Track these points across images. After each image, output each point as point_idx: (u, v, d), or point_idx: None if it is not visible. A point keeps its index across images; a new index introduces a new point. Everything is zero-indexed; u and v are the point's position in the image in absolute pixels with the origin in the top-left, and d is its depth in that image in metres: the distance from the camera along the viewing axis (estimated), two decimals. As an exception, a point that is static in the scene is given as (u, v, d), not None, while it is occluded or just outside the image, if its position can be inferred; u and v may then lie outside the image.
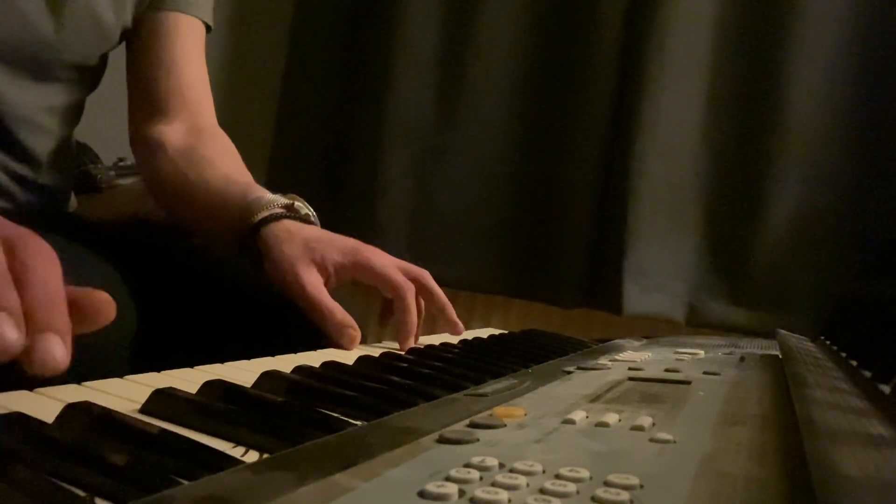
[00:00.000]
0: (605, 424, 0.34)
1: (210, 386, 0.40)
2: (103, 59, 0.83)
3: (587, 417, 0.36)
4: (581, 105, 1.55)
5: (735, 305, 1.48)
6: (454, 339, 0.75)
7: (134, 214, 1.05)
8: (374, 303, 0.77)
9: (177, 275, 0.79)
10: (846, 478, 0.23)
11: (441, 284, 0.76)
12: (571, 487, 0.25)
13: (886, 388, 0.39)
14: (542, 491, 0.25)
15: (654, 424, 0.34)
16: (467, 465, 0.27)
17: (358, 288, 0.74)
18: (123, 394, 0.39)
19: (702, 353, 0.65)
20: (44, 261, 0.33)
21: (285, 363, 0.50)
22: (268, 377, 0.45)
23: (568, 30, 1.57)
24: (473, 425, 0.34)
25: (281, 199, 0.74)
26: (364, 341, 0.69)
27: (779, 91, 1.44)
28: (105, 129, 1.06)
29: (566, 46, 1.57)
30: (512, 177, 1.62)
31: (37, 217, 0.79)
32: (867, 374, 0.46)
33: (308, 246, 0.70)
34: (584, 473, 0.26)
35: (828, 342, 0.73)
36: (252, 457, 0.32)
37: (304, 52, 1.81)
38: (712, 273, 1.50)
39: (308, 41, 1.81)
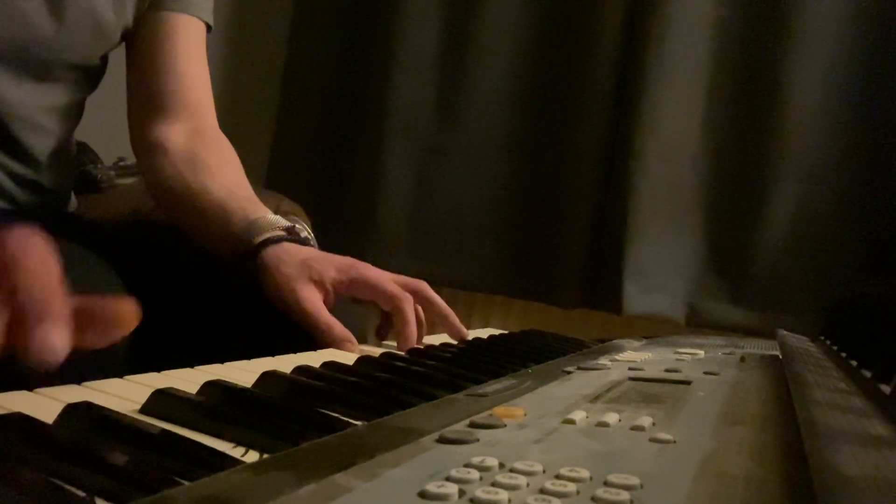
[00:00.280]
0: (605, 424, 0.34)
1: (210, 386, 0.40)
2: (103, 59, 0.83)
3: (587, 417, 0.36)
4: (581, 105, 1.55)
5: (735, 305, 1.48)
6: (454, 340, 0.76)
7: (134, 214, 1.05)
8: (374, 311, 0.77)
9: (177, 275, 0.79)
10: (846, 478, 0.23)
11: (441, 284, 0.76)
12: (571, 487, 0.25)
13: (886, 388, 0.39)
14: (542, 491, 0.25)
15: (654, 424, 0.34)
16: (467, 465, 0.27)
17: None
18: (123, 394, 0.39)
19: (702, 353, 0.64)
20: (35, 252, 0.33)
21: (285, 363, 0.50)
22: (268, 377, 0.45)
23: (568, 30, 1.57)
24: (473, 425, 0.34)
25: (282, 222, 0.75)
26: (364, 342, 0.69)
27: (779, 91, 1.44)
28: (105, 129, 1.06)
29: (566, 46, 1.57)
30: (512, 177, 1.62)
31: (37, 217, 0.80)
32: (867, 374, 0.46)
33: (305, 265, 0.71)
34: (584, 473, 0.26)
35: (828, 342, 0.73)
36: (252, 457, 0.32)
37: (304, 52, 1.81)
38: (712, 273, 1.50)
39: (308, 41, 1.81)
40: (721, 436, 0.33)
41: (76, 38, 0.76)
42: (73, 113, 0.84)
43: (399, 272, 0.75)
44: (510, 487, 0.25)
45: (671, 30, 1.47)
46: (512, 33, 1.61)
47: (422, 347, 0.68)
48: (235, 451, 0.32)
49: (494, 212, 1.62)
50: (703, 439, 0.32)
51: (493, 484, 0.25)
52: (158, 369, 0.45)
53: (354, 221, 1.68)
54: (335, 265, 0.72)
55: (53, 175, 0.83)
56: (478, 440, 0.31)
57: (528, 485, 0.25)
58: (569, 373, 0.52)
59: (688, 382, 0.47)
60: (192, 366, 0.48)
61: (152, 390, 0.37)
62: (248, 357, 0.53)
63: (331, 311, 0.70)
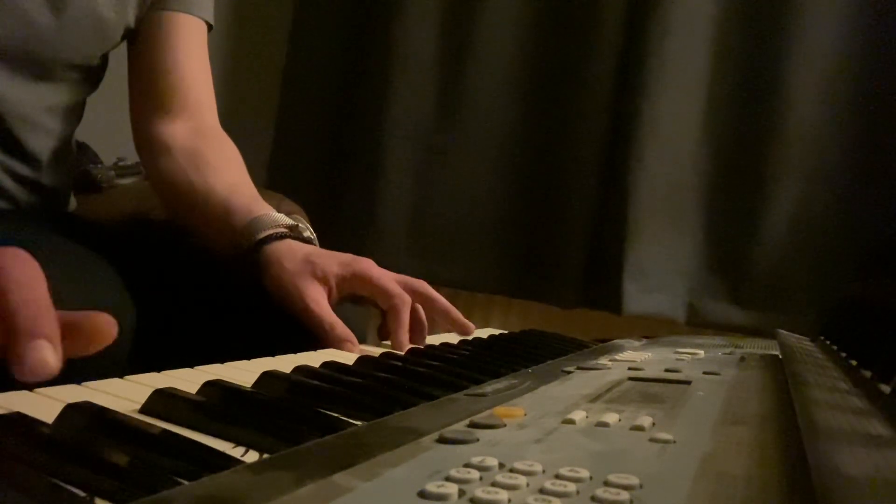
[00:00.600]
0: (605, 424, 0.34)
1: (210, 386, 0.40)
2: (104, 58, 0.83)
3: (587, 417, 0.36)
4: (581, 105, 1.55)
5: (735, 305, 1.48)
6: (454, 339, 0.76)
7: (134, 214, 1.05)
8: (375, 311, 0.77)
9: (177, 275, 0.79)
10: (846, 478, 0.23)
11: (441, 284, 0.76)
12: (571, 487, 0.25)
13: (886, 388, 0.39)
14: (542, 491, 0.25)
15: (654, 424, 0.34)
16: (467, 465, 0.27)
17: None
18: (123, 394, 0.39)
19: (702, 353, 0.64)
20: (23, 268, 0.33)
21: (285, 363, 0.50)
22: (268, 377, 0.45)
23: (568, 30, 1.57)
24: (473, 425, 0.34)
25: (285, 220, 0.75)
26: (364, 341, 0.69)
27: (778, 91, 1.44)
28: (105, 129, 1.06)
29: (566, 46, 1.57)
30: (512, 177, 1.62)
31: (37, 217, 0.80)
32: (867, 374, 0.46)
33: (308, 260, 0.71)
34: (584, 473, 0.26)
35: (828, 342, 0.73)
36: (252, 457, 0.32)
37: (304, 52, 1.81)
38: (712, 273, 1.50)
39: (308, 41, 1.81)
40: (721, 436, 0.33)
41: (77, 38, 0.76)
42: (74, 112, 0.84)
43: (399, 272, 0.75)
44: (510, 487, 0.25)
45: (671, 30, 1.47)
46: (512, 33, 1.61)
47: (421, 347, 0.68)
48: (235, 451, 0.32)
49: (494, 212, 1.62)
50: (703, 439, 0.32)
51: (493, 484, 0.25)
52: (158, 369, 0.45)
53: (354, 221, 1.68)
54: (338, 261, 0.72)
55: (53, 175, 0.83)
56: (478, 440, 0.31)
57: (527, 485, 0.25)
58: (569, 373, 0.52)
59: (688, 382, 0.47)
60: (192, 366, 0.48)
61: (152, 390, 0.37)
62: (248, 357, 0.53)
63: (333, 307, 0.70)
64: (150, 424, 0.34)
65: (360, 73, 1.73)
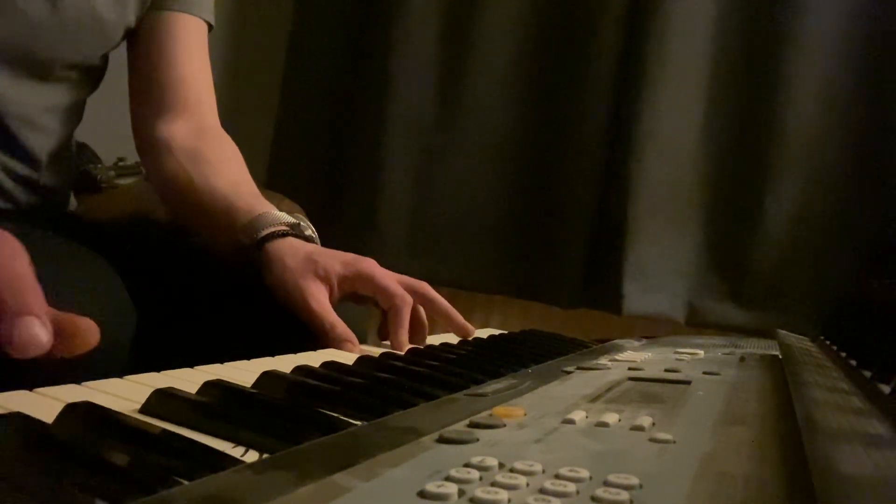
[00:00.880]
0: (605, 424, 0.34)
1: (210, 386, 0.40)
2: (104, 58, 0.83)
3: (587, 417, 0.36)
4: (581, 105, 1.55)
5: (735, 305, 1.48)
6: (454, 340, 0.76)
7: (134, 214, 1.05)
8: (375, 311, 0.77)
9: (177, 275, 0.79)
10: (846, 478, 0.23)
11: (441, 284, 0.76)
12: (571, 487, 0.25)
13: (886, 388, 0.39)
14: (542, 491, 0.25)
15: (654, 424, 0.34)
16: (467, 465, 0.27)
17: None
18: (123, 394, 0.39)
19: (702, 353, 0.64)
20: (5, 249, 0.33)
21: (285, 363, 0.50)
22: (268, 377, 0.45)
23: (568, 30, 1.57)
24: (473, 425, 0.34)
25: (287, 218, 0.75)
26: (364, 341, 0.69)
27: (778, 91, 1.44)
28: (105, 129, 1.06)
29: (566, 46, 1.57)
30: (512, 177, 1.62)
31: (37, 217, 0.80)
32: (867, 374, 0.46)
33: (310, 259, 0.71)
34: (584, 473, 0.26)
35: (828, 342, 0.73)
36: (252, 457, 0.32)
37: (304, 52, 1.81)
38: (712, 273, 1.50)
39: (308, 41, 1.81)
40: (721, 436, 0.33)
41: (77, 38, 0.76)
42: (74, 113, 0.84)
43: (399, 272, 0.75)
44: (510, 487, 0.25)
45: (671, 29, 1.47)
46: (512, 33, 1.61)
47: (421, 347, 0.68)
48: (235, 451, 0.32)
49: (494, 212, 1.62)
50: (703, 439, 0.32)
51: (493, 484, 0.25)
52: (158, 369, 0.45)
53: (354, 221, 1.68)
54: (340, 260, 0.72)
55: (53, 175, 0.83)
56: (478, 440, 0.31)
57: (527, 485, 0.25)
58: (569, 373, 0.52)
59: (688, 382, 0.47)
60: (192, 366, 0.48)
61: (152, 390, 0.37)
62: (249, 357, 0.53)
63: (334, 306, 0.70)
64: (150, 424, 0.34)
65: (360, 73, 1.73)
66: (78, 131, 0.88)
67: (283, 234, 0.73)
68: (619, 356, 0.62)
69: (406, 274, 0.75)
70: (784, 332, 0.80)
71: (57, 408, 0.32)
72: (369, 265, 0.72)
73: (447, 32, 1.66)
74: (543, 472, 0.27)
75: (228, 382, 0.41)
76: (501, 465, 0.27)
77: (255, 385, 0.44)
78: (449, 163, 1.65)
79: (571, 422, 0.35)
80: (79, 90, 0.82)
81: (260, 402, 0.40)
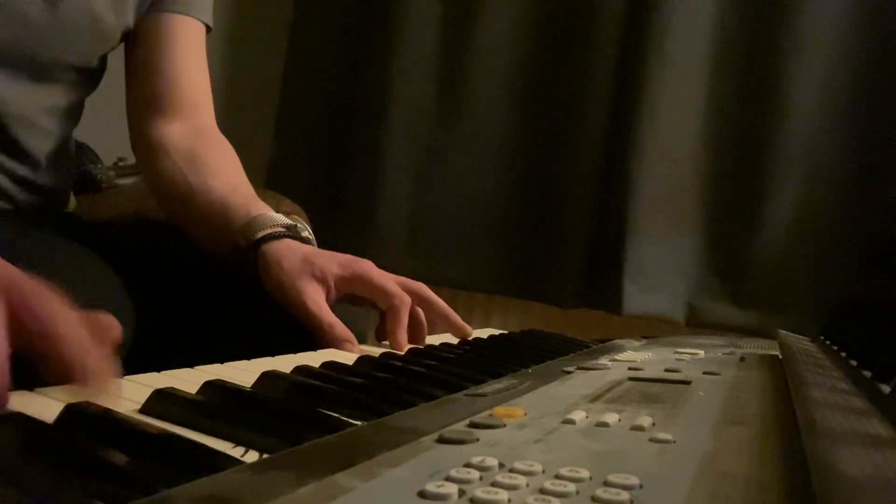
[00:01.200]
0: (605, 424, 0.34)
1: (210, 386, 0.40)
2: (103, 59, 0.83)
3: (587, 417, 0.36)
4: (581, 105, 1.55)
5: (735, 305, 1.48)
6: (454, 340, 0.76)
7: (134, 214, 1.05)
8: (375, 311, 0.77)
9: (177, 275, 0.79)
10: (846, 478, 0.23)
11: (441, 284, 0.76)
12: (571, 487, 0.25)
13: (886, 388, 0.39)
14: (542, 491, 0.25)
15: (654, 424, 0.34)
16: (467, 465, 0.27)
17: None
18: (123, 394, 0.39)
19: (702, 353, 0.64)
20: (42, 295, 0.34)
21: (285, 363, 0.50)
22: (268, 377, 0.45)
23: (568, 30, 1.57)
24: (473, 425, 0.34)
25: (283, 219, 0.75)
26: (364, 342, 0.69)
27: (779, 91, 1.44)
28: (105, 129, 1.06)
29: (566, 46, 1.57)
30: (512, 177, 1.62)
31: (37, 217, 0.80)
32: (867, 374, 0.46)
33: (307, 260, 0.71)
34: (584, 473, 0.26)
35: (828, 342, 0.73)
36: (252, 457, 0.32)
37: (304, 52, 1.81)
38: (712, 273, 1.50)
39: (308, 42, 1.81)
40: (721, 436, 0.33)
41: (75, 39, 0.76)
42: (73, 113, 0.84)
43: (399, 272, 0.75)
44: (510, 487, 0.25)
45: (671, 29, 1.47)
46: (512, 33, 1.61)
47: (421, 347, 0.68)
48: (235, 451, 0.32)
49: (494, 212, 1.62)
50: (703, 439, 0.32)
51: (493, 484, 0.25)
52: (158, 369, 0.45)
53: (354, 221, 1.68)
54: (337, 261, 0.72)
55: (53, 175, 0.83)
56: (478, 440, 0.31)
57: (527, 485, 0.25)
58: (569, 373, 0.52)
59: (688, 382, 0.47)
60: (192, 366, 0.48)
61: (152, 390, 0.37)
62: (248, 357, 0.53)
63: (331, 307, 0.70)
64: (149, 424, 0.34)
65: (361, 73, 1.73)
66: (78, 131, 0.88)
67: (280, 236, 0.73)
68: (619, 356, 0.62)
69: (406, 274, 0.75)
70: (784, 332, 0.79)
71: (57, 408, 0.32)
72: (366, 266, 0.72)
73: (447, 32, 1.66)
74: (543, 472, 0.27)
75: (228, 382, 0.41)
76: (501, 465, 0.27)
77: (255, 385, 0.44)
78: (449, 163, 1.65)
79: (571, 422, 0.35)
80: (78, 91, 0.82)
81: (260, 402, 0.40)
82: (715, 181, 1.50)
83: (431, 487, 0.24)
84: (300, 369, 0.48)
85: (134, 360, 0.40)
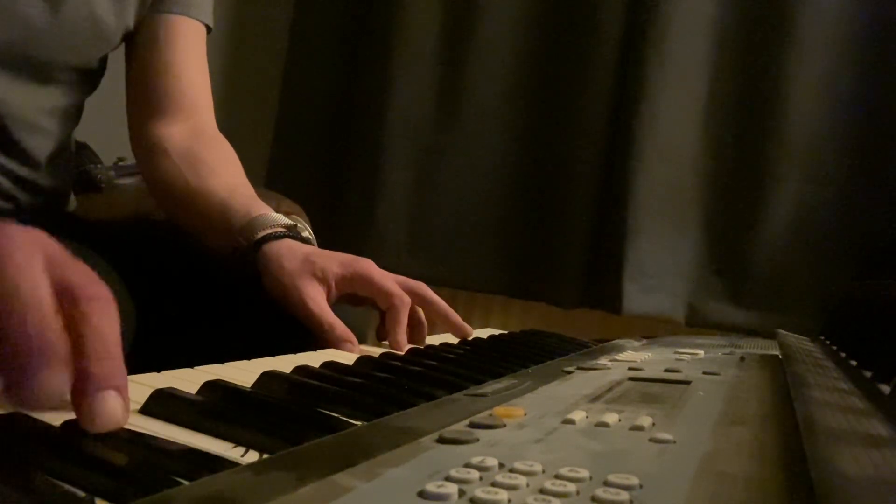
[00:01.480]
0: (605, 424, 0.34)
1: (210, 386, 0.40)
2: (103, 60, 0.83)
3: (587, 417, 0.36)
4: (581, 105, 1.55)
5: (735, 305, 1.48)
6: (454, 340, 0.76)
7: (134, 214, 1.05)
8: (375, 311, 0.77)
9: (177, 274, 0.79)
10: (846, 478, 0.23)
11: (441, 284, 0.76)
12: (571, 487, 0.25)
13: (886, 388, 0.39)
14: (542, 491, 0.25)
15: (654, 424, 0.34)
16: (467, 465, 0.27)
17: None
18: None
19: (702, 353, 0.64)
20: (102, 311, 0.33)
21: (285, 363, 0.50)
22: (268, 377, 0.45)
23: (568, 30, 1.57)
24: (473, 425, 0.34)
25: (283, 219, 0.75)
26: (364, 342, 0.69)
27: (779, 91, 1.44)
28: (105, 129, 1.06)
29: (566, 46, 1.57)
30: (512, 177, 1.62)
31: (37, 217, 0.80)
32: (867, 374, 0.46)
33: (308, 260, 0.71)
34: (584, 473, 0.26)
35: (828, 342, 0.73)
36: (252, 457, 0.32)
37: (304, 52, 1.81)
38: (712, 273, 1.50)
39: (308, 42, 1.81)
40: (721, 436, 0.33)
41: (75, 41, 0.76)
42: (73, 114, 0.84)
43: (399, 272, 0.75)
44: (510, 487, 0.25)
45: (671, 30, 1.47)
46: (512, 33, 1.61)
47: (421, 348, 0.68)
48: (235, 452, 0.32)
49: (494, 212, 1.62)
50: (703, 439, 0.32)
51: (493, 484, 0.25)
52: (158, 369, 0.45)
53: (354, 221, 1.68)
54: (338, 261, 0.72)
55: (53, 176, 0.83)
56: (478, 440, 0.31)
57: (527, 485, 0.25)
58: (569, 373, 0.52)
59: (688, 382, 0.47)
60: (192, 366, 0.48)
61: (152, 390, 0.37)
62: (248, 357, 0.53)
63: (332, 307, 0.70)
64: (149, 425, 0.34)
65: (361, 72, 1.73)
66: (78, 131, 0.88)
67: (280, 236, 0.73)
68: (619, 356, 0.62)
69: (406, 274, 0.75)
70: (784, 332, 0.79)
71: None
72: (367, 266, 0.72)
73: (447, 32, 1.66)
74: (543, 472, 0.27)
75: (228, 382, 0.41)
76: (501, 465, 0.27)
77: (255, 385, 0.44)
78: (449, 163, 1.65)
79: (571, 422, 0.35)
80: (78, 92, 0.82)
81: (260, 402, 0.40)
82: (715, 181, 1.50)
83: (431, 487, 0.24)
84: (300, 369, 0.48)
85: (134, 360, 0.40)
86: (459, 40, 1.65)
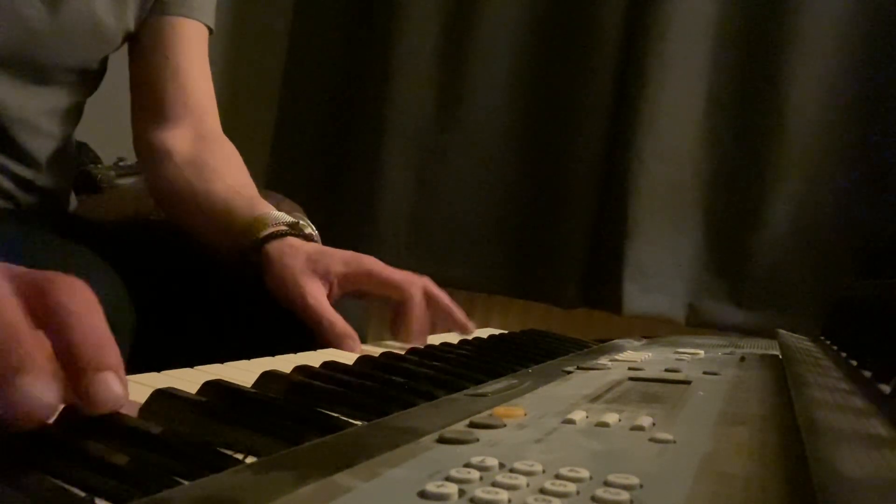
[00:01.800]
0: (605, 424, 0.34)
1: (210, 386, 0.40)
2: (103, 61, 0.83)
3: (587, 417, 0.36)
4: (581, 105, 1.55)
5: (735, 305, 1.48)
6: (454, 340, 0.76)
7: (134, 214, 1.05)
8: (375, 306, 0.77)
9: (177, 275, 0.79)
10: (846, 478, 0.23)
11: (441, 284, 0.76)
12: (571, 487, 0.25)
13: (886, 388, 0.39)
14: (542, 491, 0.25)
15: (654, 424, 0.34)
16: (467, 465, 0.27)
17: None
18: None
19: (702, 353, 0.64)
20: (80, 298, 0.32)
21: (285, 363, 0.50)
22: (268, 377, 0.45)
23: (568, 30, 1.57)
24: (473, 425, 0.34)
25: (286, 217, 0.75)
26: (364, 341, 0.69)
27: (779, 91, 1.44)
28: (105, 129, 1.06)
29: (566, 46, 1.57)
30: (512, 177, 1.62)
31: (37, 217, 0.80)
32: (867, 374, 0.46)
33: (310, 258, 0.71)
34: (584, 473, 0.26)
35: (828, 342, 0.73)
36: (252, 457, 0.32)
37: (304, 52, 1.81)
38: (712, 273, 1.50)
39: (308, 42, 1.81)
40: (721, 436, 0.33)
41: (76, 42, 0.76)
42: (73, 115, 0.84)
43: (399, 272, 0.75)
44: (510, 487, 0.25)
45: (671, 30, 1.47)
46: (512, 33, 1.61)
47: (422, 347, 0.68)
48: (235, 452, 0.32)
49: (494, 212, 1.62)
50: (703, 439, 0.32)
51: (493, 484, 0.25)
52: (158, 369, 0.45)
53: (354, 221, 1.68)
54: (341, 259, 0.72)
55: (53, 176, 0.83)
56: (478, 440, 0.31)
57: (528, 485, 0.25)
58: (569, 373, 0.52)
59: (688, 382, 0.47)
60: (192, 366, 0.48)
61: (152, 390, 0.37)
62: (249, 357, 0.53)
63: (333, 305, 0.70)
64: (149, 424, 0.34)
65: (360, 73, 1.73)
66: (78, 131, 0.88)
67: (283, 234, 0.73)
68: (619, 356, 0.62)
69: (406, 275, 0.75)
70: (784, 332, 0.79)
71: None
72: (372, 262, 0.72)
73: (447, 32, 1.66)
74: (543, 472, 0.27)
75: (228, 382, 0.41)
76: (501, 465, 0.27)
77: (255, 385, 0.44)
78: (449, 163, 1.65)
79: (571, 422, 0.35)
80: (78, 93, 0.82)
81: (260, 402, 0.40)
82: (715, 181, 1.50)
83: (431, 487, 0.24)
84: (300, 369, 0.48)
85: (134, 360, 0.40)
86: (459, 40, 1.65)
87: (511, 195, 1.62)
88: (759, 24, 1.46)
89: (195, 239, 0.81)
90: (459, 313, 0.76)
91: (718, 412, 0.38)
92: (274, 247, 0.72)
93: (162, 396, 0.37)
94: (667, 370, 0.52)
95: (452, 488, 0.24)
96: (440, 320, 0.75)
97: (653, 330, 1.18)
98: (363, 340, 0.69)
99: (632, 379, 0.49)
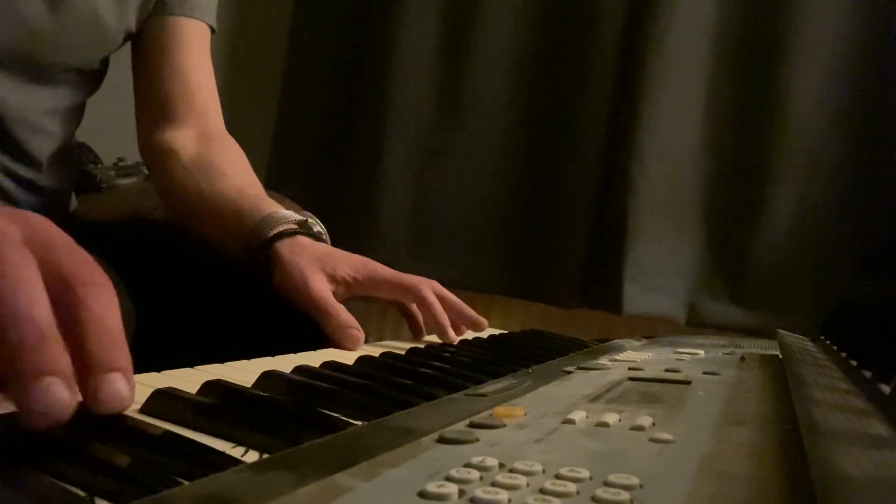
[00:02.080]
0: (605, 424, 0.34)
1: (210, 386, 0.40)
2: (104, 61, 0.83)
3: (587, 417, 0.36)
4: (581, 105, 1.55)
5: (735, 305, 1.47)
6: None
7: (134, 214, 1.05)
8: (375, 306, 0.77)
9: (177, 275, 0.79)
10: (846, 478, 0.23)
11: (441, 284, 0.76)
12: (571, 487, 0.25)
13: (886, 388, 0.39)
14: (542, 491, 0.25)
15: (654, 424, 0.34)
16: (467, 465, 0.27)
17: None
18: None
19: (702, 353, 0.65)
20: (103, 298, 0.33)
21: (285, 363, 0.50)
22: (268, 377, 0.45)
23: (568, 30, 1.57)
24: (473, 425, 0.34)
25: (295, 216, 0.75)
26: (365, 341, 0.69)
27: (779, 91, 1.44)
28: (105, 129, 1.06)
29: (566, 46, 1.57)
30: (512, 177, 1.62)
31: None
32: (867, 374, 0.46)
33: (319, 258, 0.71)
34: (584, 473, 0.26)
35: (828, 342, 0.73)
36: (252, 457, 0.32)
37: (304, 52, 1.81)
38: (712, 273, 1.50)
39: (308, 41, 1.81)
40: (721, 436, 0.33)
41: (77, 42, 0.76)
42: (74, 115, 0.84)
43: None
44: (510, 487, 0.25)
45: (671, 30, 1.47)
46: (512, 34, 1.61)
47: (422, 347, 0.68)
48: (235, 451, 0.32)
49: (494, 212, 1.62)
50: (703, 439, 0.32)
51: (493, 484, 0.25)
52: (158, 369, 0.45)
53: (354, 221, 1.68)
54: (350, 263, 0.72)
55: (54, 176, 0.83)
56: (478, 440, 0.31)
57: (528, 485, 0.25)
58: (569, 373, 0.52)
59: (688, 382, 0.47)
60: (192, 366, 0.48)
61: (152, 390, 0.37)
62: (249, 357, 0.53)
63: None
64: (150, 424, 0.34)
65: (360, 73, 1.73)
66: (78, 131, 0.88)
67: (293, 233, 0.73)
68: (619, 356, 0.62)
69: (406, 274, 0.75)
70: (784, 332, 0.79)
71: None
72: (379, 268, 0.73)
73: (447, 32, 1.66)
74: (543, 472, 0.27)
75: (228, 382, 0.41)
76: (501, 465, 0.27)
77: (255, 385, 0.44)
78: (449, 163, 1.65)
79: (571, 422, 0.35)
80: (79, 92, 0.82)
81: (260, 402, 0.40)
82: (715, 181, 1.49)
83: (431, 487, 0.24)
84: (300, 369, 0.48)
85: (134, 360, 0.41)
86: (459, 40, 1.65)
87: (511, 195, 1.62)
88: (759, 24, 1.46)
89: (202, 238, 0.81)
90: (471, 311, 0.76)
91: (718, 412, 0.38)
92: (284, 245, 0.72)
93: (162, 396, 0.37)
94: (667, 370, 0.52)
95: (452, 488, 0.24)
96: (452, 320, 0.75)
97: (653, 330, 1.18)
98: (363, 342, 0.69)
99: (632, 379, 0.49)
